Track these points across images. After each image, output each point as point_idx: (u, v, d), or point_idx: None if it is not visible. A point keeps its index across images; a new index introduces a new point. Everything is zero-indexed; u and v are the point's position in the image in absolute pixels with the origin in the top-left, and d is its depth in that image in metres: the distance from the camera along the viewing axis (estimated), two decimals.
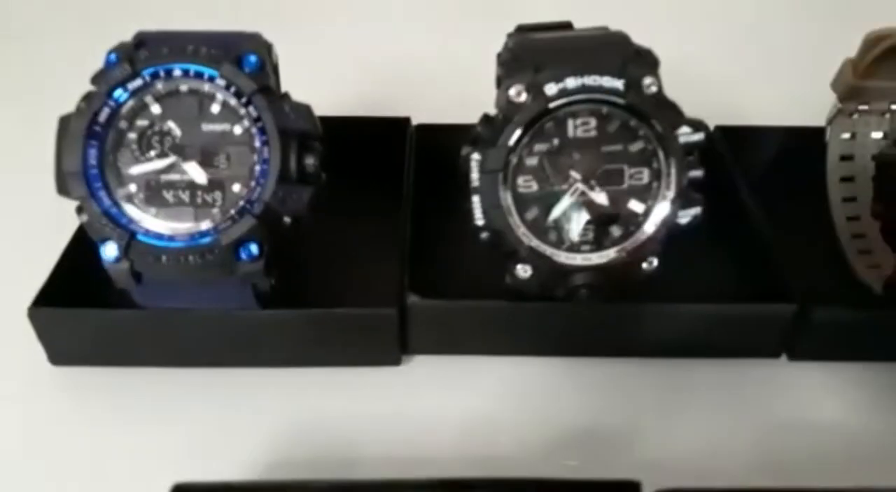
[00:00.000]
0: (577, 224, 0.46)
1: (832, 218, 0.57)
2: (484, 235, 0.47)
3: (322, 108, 0.62)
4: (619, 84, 0.44)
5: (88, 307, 0.48)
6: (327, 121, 0.62)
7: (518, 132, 0.45)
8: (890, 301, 0.50)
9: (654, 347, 0.51)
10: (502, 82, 0.46)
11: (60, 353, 0.50)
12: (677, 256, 0.50)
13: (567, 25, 0.52)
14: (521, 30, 0.51)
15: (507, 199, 0.46)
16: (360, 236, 0.55)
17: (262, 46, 0.45)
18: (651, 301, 0.49)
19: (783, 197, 0.59)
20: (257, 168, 0.44)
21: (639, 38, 0.45)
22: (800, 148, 0.62)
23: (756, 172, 0.62)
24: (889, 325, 0.50)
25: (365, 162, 0.60)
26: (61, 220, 0.49)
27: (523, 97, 0.45)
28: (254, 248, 0.44)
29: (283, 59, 0.47)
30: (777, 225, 0.55)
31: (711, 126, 0.65)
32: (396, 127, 0.63)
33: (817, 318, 0.49)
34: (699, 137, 0.46)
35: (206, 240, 0.43)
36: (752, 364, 0.52)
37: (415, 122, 0.64)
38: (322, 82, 0.72)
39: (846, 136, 0.59)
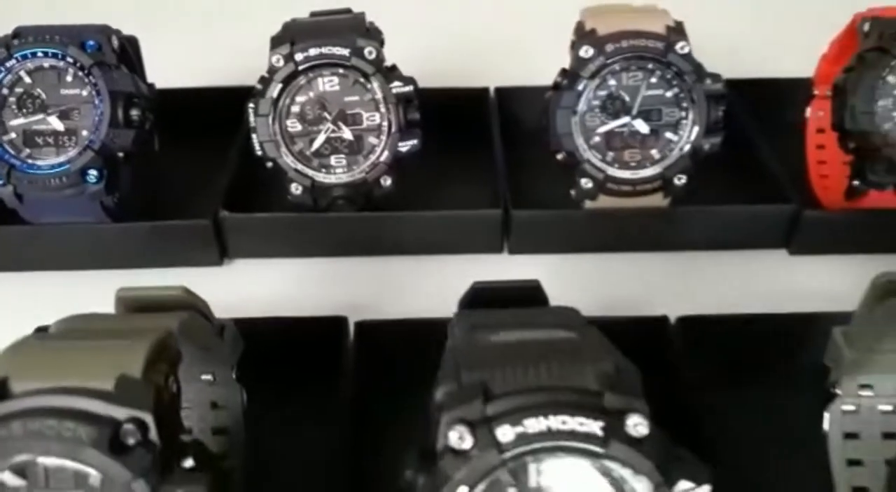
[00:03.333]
0: None
1: None
2: (268, 164, 0.67)
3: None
4: (346, 52, 0.64)
5: None
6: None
7: (279, 87, 0.64)
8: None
9: (402, 245, 0.70)
10: (270, 52, 0.65)
11: None
12: (427, 177, 0.70)
13: (347, 11, 0.70)
14: (312, 14, 0.70)
15: (276, 135, 0.65)
16: (199, 169, 0.73)
17: (102, 35, 0.64)
18: (395, 210, 0.69)
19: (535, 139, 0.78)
20: (96, 118, 0.63)
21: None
22: None
23: (519, 122, 0.80)
24: (584, 222, 0.69)
25: (215, 120, 0.78)
26: None
27: (281, 63, 0.64)
28: (94, 173, 0.63)
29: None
30: (516, 154, 0.74)
31: (491, 88, 0.84)
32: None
33: (518, 218, 0.68)
34: (409, 88, 0.65)
35: (62, 168, 0.63)
36: (477, 257, 0.71)
37: None
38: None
39: None
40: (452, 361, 0.37)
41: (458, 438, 0.33)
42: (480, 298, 0.45)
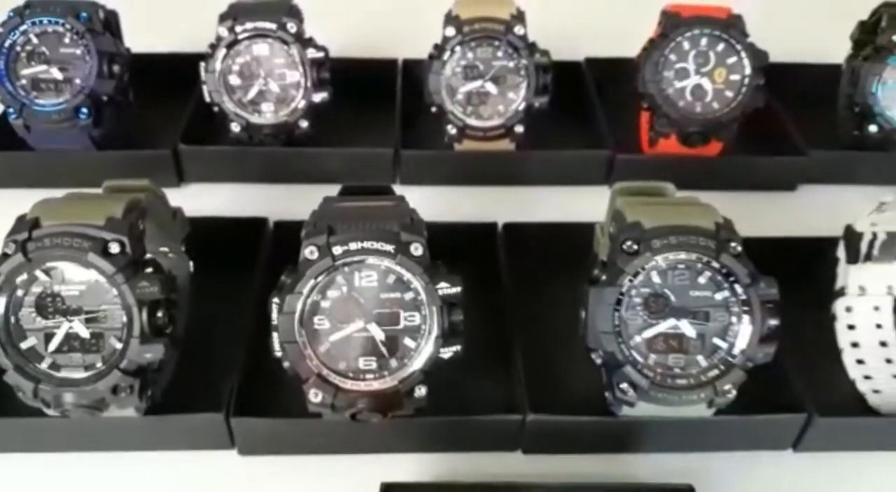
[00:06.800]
0: None
1: None
2: (215, 108, 0.89)
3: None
4: (273, 26, 0.86)
5: (7, 151, 0.90)
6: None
7: (224, 51, 0.87)
8: None
9: (315, 175, 0.93)
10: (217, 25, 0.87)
11: None
12: (339, 124, 0.92)
13: None
14: None
15: (221, 87, 0.88)
16: (163, 114, 0.96)
17: (92, 8, 0.86)
18: (311, 147, 0.92)
19: None
20: (87, 71, 0.86)
21: None
22: None
23: (418, 86, 1.03)
24: (453, 161, 0.93)
25: (175, 78, 1.00)
26: None
27: (226, 33, 0.86)
28: (85, 111, 0.85)
29: None
30: (412, 110, 0.97)
31: (400, 59, 1.07)
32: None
33: (406, 156, 0.92)
34: (321, 54, 0.87)
35: (61, 107, 0.85)
36: None
37: None
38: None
39: None
40: (314, 217, 0.60)
41: (310, 252, 0.57)
42: (349, 192, 0.68)
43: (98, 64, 0.85)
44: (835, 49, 0.98)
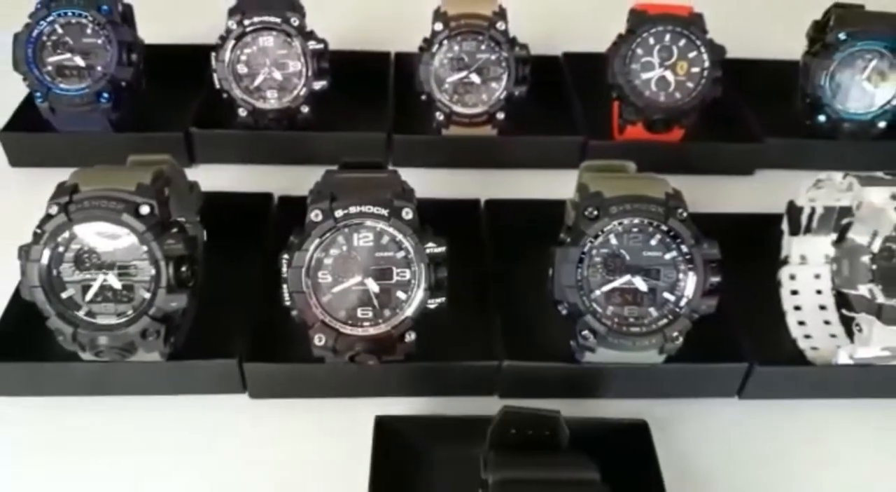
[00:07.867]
0: None
1: None
2: (224, 95, 0.98)
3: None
4: (278, 20, 0.95)
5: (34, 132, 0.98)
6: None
7: (233, 43, 0.95)
8: None
9: (315, 157, 1.02)
10: (227, 19, 0.96)
11: (19, 159, 1.00)
12: (336, 110, 1.01)
13: None
14: None
15: (230, 75, 0.96)
16: (176, 100, 1.04)
17: (112, 1, 0.95)
18: (311, 131, 1.00)
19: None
20: (108, 59, 0.94)
21: None
22: None
23: (409, 77, 1.12)
24: (441, 144, 1.01)
25: (187, 67, 1.08)
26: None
27: (235, 26, 0.95)
28: (105, 96, 0.94)
29: None
30: (404, 99, 1.06)
31: (392, 52, 1.16)
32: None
33: (398, 140, 1.01)
34: (321, 46, 0.96)
35: (83, 92, 0.94)
36: None
37: None
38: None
39: None
40: (317, 186, 0.69)
41: (315, 215, 0.66)
42: (347, 166, 0.77)
43: (118, 53, 0.94)
44: (797, 47, 1.06)
